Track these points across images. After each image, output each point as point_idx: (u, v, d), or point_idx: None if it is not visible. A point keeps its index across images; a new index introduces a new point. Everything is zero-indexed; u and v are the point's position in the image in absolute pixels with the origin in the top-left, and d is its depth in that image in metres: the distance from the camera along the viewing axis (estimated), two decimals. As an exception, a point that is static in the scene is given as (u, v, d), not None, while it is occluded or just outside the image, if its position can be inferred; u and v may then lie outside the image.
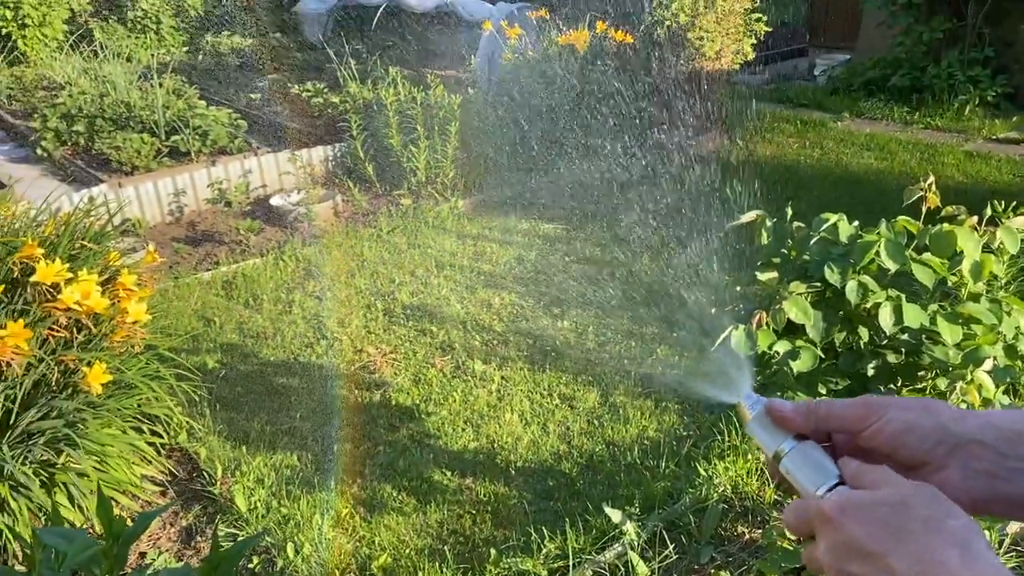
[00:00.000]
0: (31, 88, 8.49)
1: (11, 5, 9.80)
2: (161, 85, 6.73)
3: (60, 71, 8.47)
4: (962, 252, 2.04)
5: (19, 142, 7.42)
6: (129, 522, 1.10)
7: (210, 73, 9.13)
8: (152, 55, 9.05)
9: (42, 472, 2.70)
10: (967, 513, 0.58)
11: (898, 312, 2.00)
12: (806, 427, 0.71)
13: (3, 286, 2.75)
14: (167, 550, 2.87)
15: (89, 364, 2.73)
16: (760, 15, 7.39)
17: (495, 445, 3.36)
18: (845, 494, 0.61)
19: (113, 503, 2.90)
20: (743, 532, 2.80)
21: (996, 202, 2.52)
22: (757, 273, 2.28)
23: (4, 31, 9.85)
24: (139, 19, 11.03)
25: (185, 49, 10.94)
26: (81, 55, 9.13)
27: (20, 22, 9.89)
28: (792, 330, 2.12)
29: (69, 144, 6.68)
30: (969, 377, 2.02)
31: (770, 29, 7.63)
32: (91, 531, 2.70)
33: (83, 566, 0.93)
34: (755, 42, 7.52)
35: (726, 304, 2.21)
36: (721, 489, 2.93)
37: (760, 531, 2.79)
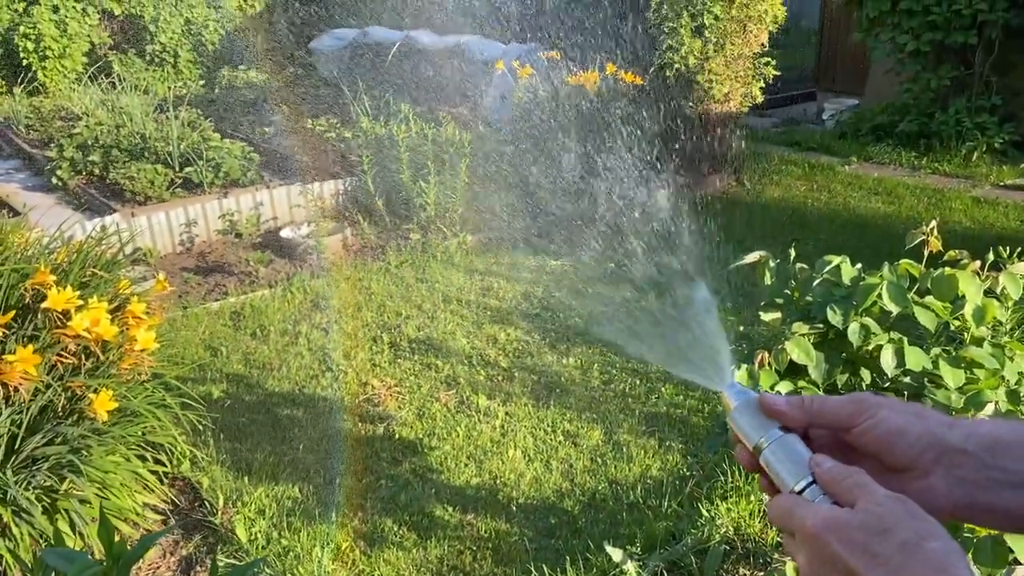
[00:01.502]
0: (49, 118, 8.62)
1: (33, 37, 10.00)
2: (177, 117, 6.83)
3: (78, 102, 8.61)
4: (964, 296, 2.05)
5: (35, 170, 7.53)
6: (129, 546, 1.11)
7: (225, 106, 9.26)
8: (169, 88, 9.20)
9: (44, 498, 2.70)
10: (947, 518, 0.59)
11: (900, 355, 2.00)
12: (799, 421, 0.71)
13: (14, 312, 2.78)
14: (166, 580, 2.86)
15: (96, 391, 2.75)
16: (769, 59, 7.47)
17: (497, 481, 3.35)
18: (829, 514, 0.62)
19: (114, 530, 2.90)
20: (745, 574, 2.78)
21: (1002, 248, 2.53)
22: (760, 313, 2.29)
23: (25, 62, 10.04)
24: (157, 53, 11.23)
25: (202, 83, 11.12)
26: (99, 87, 9.29)
27: (41, 54, 10.09)
28: (795, 371, 2.13)
29: (84, 174, 6.78)
30: (971, 421, 2.02)
31: (779, 73, 7.70)
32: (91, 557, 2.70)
33: (83, 587, 0.94)
34: (764, 85, 7.59)
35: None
36: (723, 530, 2.91)
37: (762, 574, 2.77)
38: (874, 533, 0.58)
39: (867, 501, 0.60)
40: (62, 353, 2.81)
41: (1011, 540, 1.70)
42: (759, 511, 3.00)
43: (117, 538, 1.13)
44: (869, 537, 0.58)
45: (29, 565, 2.23)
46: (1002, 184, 7.28)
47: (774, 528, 2.92)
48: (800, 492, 0.66)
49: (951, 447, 0.66)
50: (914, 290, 2.10)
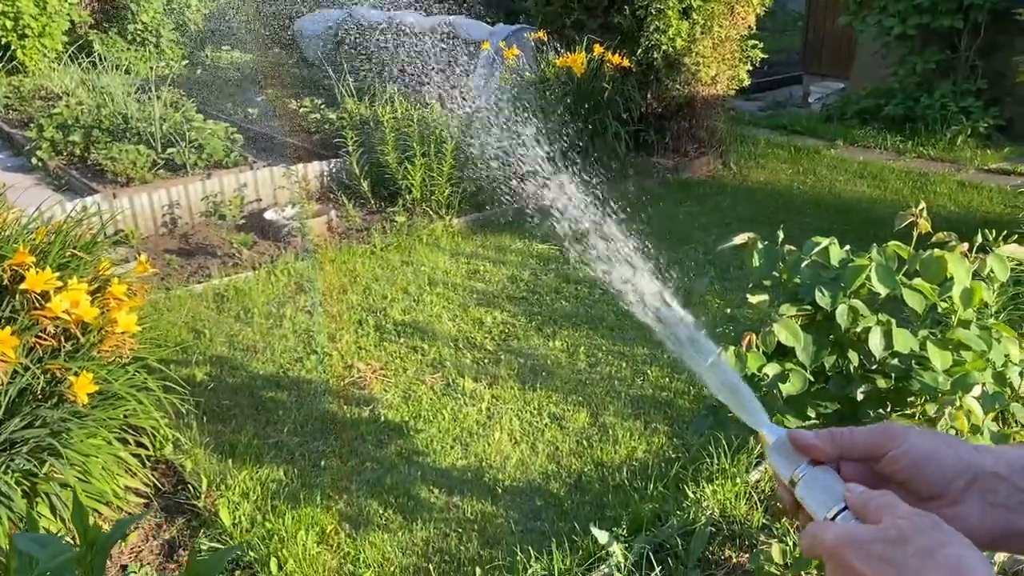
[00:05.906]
0: (28, 98, 8.49)
1: (12, 15, 9.82)
2: (159, 98, 6.74)
3: (58, 81, 8.48)
4: (952, 278, 2.04)
5: (14, 151, 7.42)
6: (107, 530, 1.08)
7: (208, 87, 9.15)
8: (151, 68, 9.08)
9: (24, 482, 2.67)
10: (983, 547, 0.57)
11: (888, 337, 1.99)
12: (830, 453, 0.71)
13: (-9, 293, 2.74)
14: (149, 563, 2.84)
15: (76, 373, 2.71)
16: (756, 42, 7.45)
17: (483, 463, 3.34)
18: (845, 529, 0.62)
19: (96, 514, 2.88)
20: (730, 556, 2.79)
21: (987, 231, 2.53)
22: (748, 295, 2.28)
23: (4, 41, 9.87)
24: (139, 32, 11.07)
25: (184, 63, 10.97)
26: (80, 66, 9.15)
27: (20, 32, 9.91)
28: (782, 353, 2.12)
29: (65, 154, 6.69)
30: (958, 403, 2.02)
31: (766, 56, 7.68)
32: (71, 540, 2.67)
33: (57, 573, 0.91)
34: (751, 68, 7.57)
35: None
36: (709, 512, 2.91)
37: (747, 555, 2.77)
38: (890, 543, 0.57)
39: (890, 517, 0.60)
40: (41, 335, 2.77)
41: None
42: (744, 493, 3.01)
43: (92, 522, 1.10)
44: (885, 547, 0.57)
45: (6, 550, 2.21)
46: (986, 168, 7.30)
47: (760, 510, 2.93)
48: (833, 519, 0.67)
49: (984, 471, 0.65)
50: (902, 272, 2.10)
